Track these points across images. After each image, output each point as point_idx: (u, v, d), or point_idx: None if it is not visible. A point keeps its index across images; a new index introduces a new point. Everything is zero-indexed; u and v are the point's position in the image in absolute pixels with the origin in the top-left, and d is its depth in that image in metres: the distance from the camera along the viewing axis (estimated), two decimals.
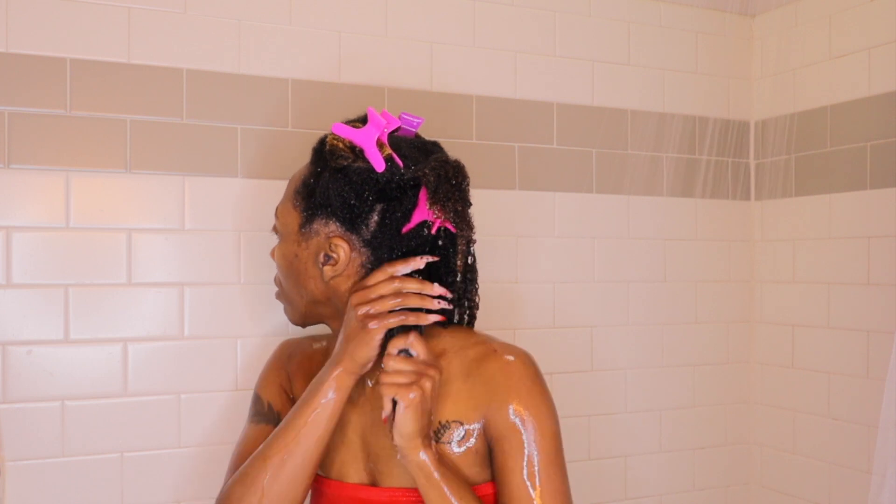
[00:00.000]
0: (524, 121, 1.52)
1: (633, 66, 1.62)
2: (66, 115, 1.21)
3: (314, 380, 0.99)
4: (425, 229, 0.98)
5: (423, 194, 0.98)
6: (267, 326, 1.32)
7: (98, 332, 1.23)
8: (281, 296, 1.10)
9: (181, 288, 1.27)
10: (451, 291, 1.00)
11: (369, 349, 0.95)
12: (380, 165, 0.97)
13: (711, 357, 1.70)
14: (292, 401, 1.11)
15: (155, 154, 1.26)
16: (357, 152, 0.98)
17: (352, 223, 0.98)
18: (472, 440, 0.97)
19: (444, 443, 0.97)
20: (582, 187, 1.57)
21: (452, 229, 1.00)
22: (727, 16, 1.72)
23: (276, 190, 1.32)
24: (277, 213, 1.06)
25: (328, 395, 0.96)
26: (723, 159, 1.71)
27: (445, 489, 0.93)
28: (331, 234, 0.99)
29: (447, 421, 0.98)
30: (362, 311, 0.96)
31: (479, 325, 1.11)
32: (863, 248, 1.50)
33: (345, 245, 0.98)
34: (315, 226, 1.00)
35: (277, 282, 1.10)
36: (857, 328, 1.51)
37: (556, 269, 1.54)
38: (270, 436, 0.99)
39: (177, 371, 1.27)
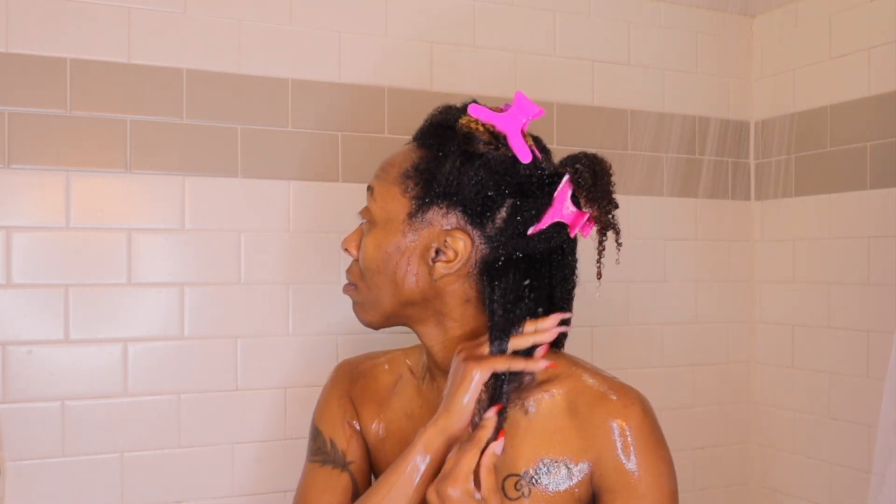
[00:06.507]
0: None
1: (633, 66, 1.62)
2: (66, 115, 1.21)
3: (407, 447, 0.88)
4: (556, 232, 0.88)
5: (561, 193, 0.87)
6: (267, 327, 1.32)
7: (98, 332, 1.23)
8: (358, 292, 0.94)
9: (181, 288, 1.27)
10: (569, 303, 0.93)
11: (466, 394, 0.84)
12: (526, 156, 0.87)
13: (711, 357, 1.70)
14: (359, 433, 1.01)
15: (155, 154, 1.26)
16: (500, 139, 0.88)
17: (480, 216, 0.86)
18: (574, 482, 0.88)
19: (542, 485, 0.88)
20: None
21: (585, 234, 0.91)
22: (727, 16, 1.72)
23: (277, 190, 1.32)
24: (375, 196, 0.91)
25: (414, 460, 0.85)
26: (723, 159, 1.71)
27: None
28: (450, 227, 0.87)
29: (551, 459, 0.88)
30: (463, 355, 0.86)
31: None
32: (863, 248, 1.50)
33: (466, 239, 0.86)
34: (429, 216, 0.88)
35: (356, 276, 0.94)
36: (857, 328, 1.51)
37: None
38: None
39: (177, 371, 1.27)
